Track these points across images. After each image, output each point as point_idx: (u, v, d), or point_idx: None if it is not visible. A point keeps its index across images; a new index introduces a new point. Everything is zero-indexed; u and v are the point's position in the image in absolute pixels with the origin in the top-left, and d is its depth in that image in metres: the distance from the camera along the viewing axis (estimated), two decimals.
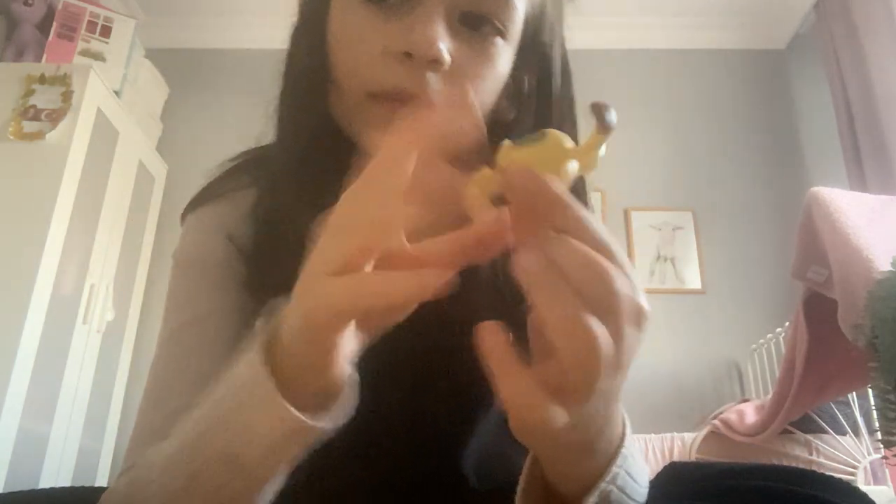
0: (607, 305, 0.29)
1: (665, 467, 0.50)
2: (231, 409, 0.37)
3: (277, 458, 0.37)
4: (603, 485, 0.37)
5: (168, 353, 0.54)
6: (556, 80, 0.56)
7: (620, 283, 0.29)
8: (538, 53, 0.56)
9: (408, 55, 0.47)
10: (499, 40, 0.51)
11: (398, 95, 0.49)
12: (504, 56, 0.52)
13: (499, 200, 0.32)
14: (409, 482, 0.56)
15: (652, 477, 0.49)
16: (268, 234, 0.55)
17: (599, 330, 0.28)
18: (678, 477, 0.47)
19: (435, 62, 0.47)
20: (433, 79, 0.48)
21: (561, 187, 0.31)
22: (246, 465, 0.37)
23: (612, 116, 0.35)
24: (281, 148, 0.58)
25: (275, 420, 0.35)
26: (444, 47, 0.47)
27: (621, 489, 0.38)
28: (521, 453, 0.48)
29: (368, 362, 0.40)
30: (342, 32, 0.52)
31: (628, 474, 0.39)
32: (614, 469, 0.37)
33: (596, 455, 0.37)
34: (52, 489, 0.55)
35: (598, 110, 0.35)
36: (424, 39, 0.47)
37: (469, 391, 0.50)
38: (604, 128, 0.35)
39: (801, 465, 1.94)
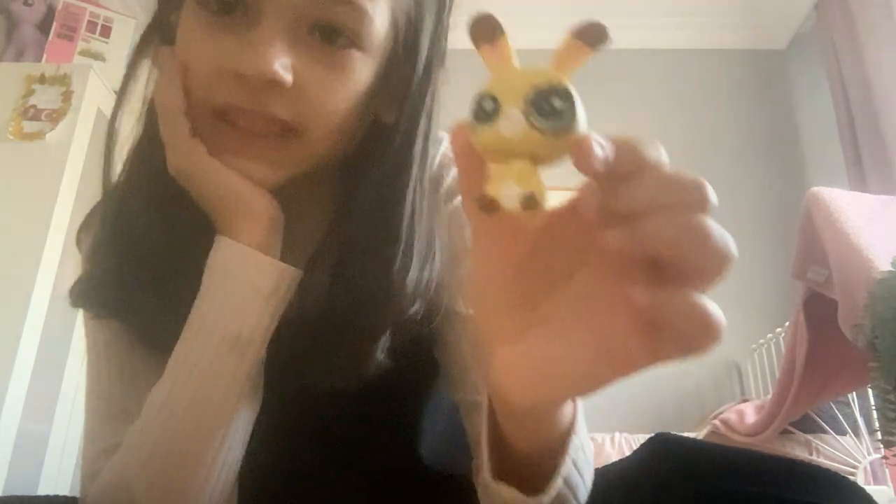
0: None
1: (651, 438, 0.49)
2: (223, 292, 0.47)
3: (271, 320, 0.48)
4: (570, 448, 0.37)
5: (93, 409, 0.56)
6: (417, 75, 0.53)
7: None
8: (409, 54, 0.53)
9: (241, 76, 0.46)
10: (354, 52, 0.49)
11: (232, 115, 0.48)
12: (361, 66, 0.50)
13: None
14: (359, 472, 0.59)
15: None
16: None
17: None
18: (669, 455, 0.47)
19: (273, 83, 0.46)
20: (273, 97, 0.47)
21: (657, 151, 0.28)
22: (245, 338, 0.46)
23: (608, 42, 0.30)
24: (125, 169, 0.56)
25: (265, 271, 0.47)
26: (282, 66, 0.46)
27: (574, 461, 0.39)
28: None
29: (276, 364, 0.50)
30: (182, 45, 0.50)
31: (581, 444, 0.40)
32: (573, 438, 0.38)
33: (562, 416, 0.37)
34: (49, 497, 0.56)
35: (595, 34, 0.30)
36: (258, 60, 0.45)
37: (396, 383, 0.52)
38: (592, 51, 0.29)
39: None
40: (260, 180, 0.49)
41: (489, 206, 0.28)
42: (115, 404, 0.54)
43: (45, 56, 2.34)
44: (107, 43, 2.46)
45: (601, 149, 0.27)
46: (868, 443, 1.97)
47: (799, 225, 1.64)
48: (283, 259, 0.50)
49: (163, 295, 0.51)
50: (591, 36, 0.30)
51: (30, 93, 2.12)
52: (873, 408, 1.53)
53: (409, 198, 0.52)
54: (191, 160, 0.49)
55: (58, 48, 2.36)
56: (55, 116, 2.08)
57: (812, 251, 1.58)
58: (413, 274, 0.51)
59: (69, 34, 2.40)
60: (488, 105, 0.28)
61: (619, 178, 0.27)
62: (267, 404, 0.51)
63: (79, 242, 0.61)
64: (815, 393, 1.77)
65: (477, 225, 0.31)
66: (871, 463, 1.98)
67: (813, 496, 0.39)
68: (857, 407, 1.98)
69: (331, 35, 0.48)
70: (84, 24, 2.43)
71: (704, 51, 3.30)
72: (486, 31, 0.30)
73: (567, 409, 0.37)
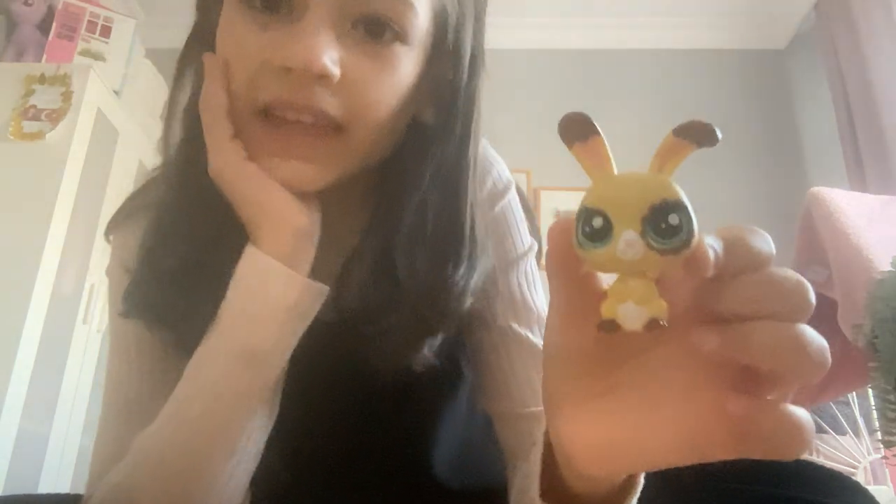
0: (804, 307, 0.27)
1: None
2: (244, 306, 0.46)
3: (291, 337, 0.46)
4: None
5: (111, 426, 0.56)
6: (463, 75, 0.53)
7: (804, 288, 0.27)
8: (452, 52, 0.53)
9: (287, 70, 0.45)
10: (398, 45, 0.48)
11: (279, 111, 0.47)
12: (406, 61, 0.49)
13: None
14: (375, 483, 0.57)
15: None
16: (147, 265, 0.54)
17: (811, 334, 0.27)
18: None
19: (321, 77, 0.45)
20: (321, 91, 0.46)
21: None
22: (262, 354, 0.45)
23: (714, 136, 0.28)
24: (169, 173, 0.56)
25: (287, 285, 0.45)
26: (331, 59, 0.45)
27: None
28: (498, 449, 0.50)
29: (305, 370, 0.49)
30: (223, 44, 0.49)
31: None
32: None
33: None
34: (50, 495, 0.55)
35: (705, 135, 0.29)
36: (306, 53, 0.44)
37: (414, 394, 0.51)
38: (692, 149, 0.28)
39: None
40: (307, 181, 0.48)
41: (610, 327, 0.27)
42: (137, 405, 0.54)
43: (45, 56, 2.34)
44: (107, 43, 2.46)
45: (714, 253, 0.26)
46: (868, 443, 1.97)
47: (799, 225, 1.64)
48: (317, 261, 0.49)
49: (206, 302, 0.49)
50: (697, 135, 0.29)
51: (30, 93, 2.12)
52: (873, 408, 1.53)
53: (468, 199, 0.51)
54: (230, 163, 0.48)
55: (58, 48, 2.36)
56: (55, 116, 2.08)
57: (812, 251, 1.58)
58: (468, 273, 0.50)
59: (69, 34, 2.40)
60: (598, 222, 0.27)
61: (725, 277, 0.26)
62: (289, 409, 0.50)
63: (108, 236, 0.60)
64: (815, 393, 1.77)
65: (560, 287, 0.30)
66: (871, 463, 1.98)
67: (816, 494, 0.39)
68: (857, 407, 1.98)
69: (376, 29, 0.47)
70: (84, 24, 2.43)
71: (704, 51, 3.30)
72: (579, 130, 0.30)
73: None
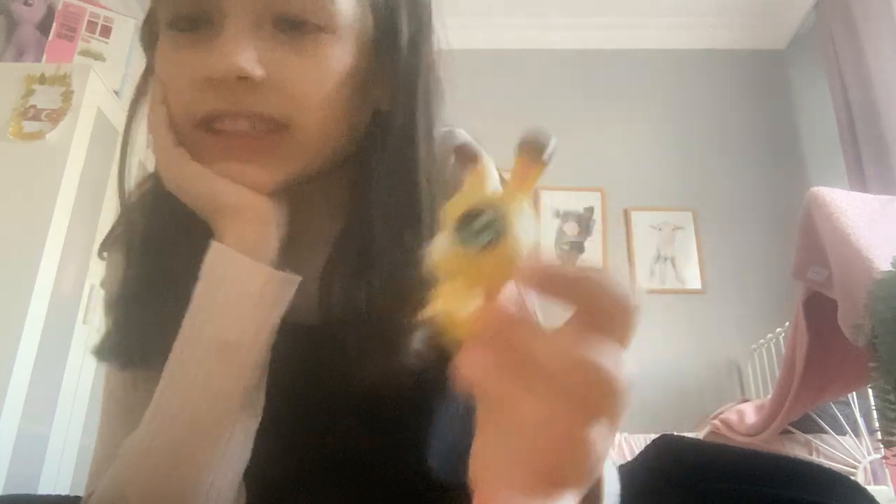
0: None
1: (656, 440, 0.49)
2: (211, 297, 0.46)
3: (261, 326, 0.46)
4: None
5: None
6: (402, 58, 0.52)
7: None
8: (389, 37, 0.52)
9: (211, 80, 0.47)
10: (323, 36, 0.48)
11: (216, 122, 0.48)
12: (335, 50, 0.49)
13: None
14: (368, 483, 0.58)
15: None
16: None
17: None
18: (675, 456, 0.47)
19: (242, 78, 0.46)
20: (250, 94, 0.47)
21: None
22: (233, 344, 0.46)
23: (550, 149, 0.30)
24: (133, 212, 0.57)
25: (250, 274, 0.46)
26: (248, 60, 0.46)
27: None
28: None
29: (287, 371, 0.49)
30: (160, 70, 0.51)
31: None
32: None
33: None
34: (51, 496, 0.56)
35: (533, 147, 0.30)
36: (222, 60, 0.46)
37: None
38: (541, 163, 0.30)
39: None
40: (255, 183, 0.48)
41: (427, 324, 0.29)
42: (130, 409, 0.54)
43: (45, 56, 2.34)
44: (107, 43, 2.46)
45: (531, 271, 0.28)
46: (868, 443, 1.97)
47: (799, 225, 1.64)
48: (299, 264, 0.49)
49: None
50: (530, 150, 0.30)
51: (30, 93, 2.12)
52: (873, 408, 1.53)
53: (423, 182, 0.51)
54: (177, 168, 0.50)
55: (58, 48, 2.36)
56: (55, 116, 2.08)
57: (812, 251, 1.58)
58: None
59: (69, 34, 2.40)
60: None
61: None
62: (279, 411, 0.50)
63: (101, 254, 0.61)
64: (815, 393, 1.77)
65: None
66: (871, 463, 1.98)
67: (815, 495, 0.39)
68: (857, 407, 1.98)
69: (296, 24, 0.48)
70: (84, 24, 2.43)
71: (704, 51, 3.30)
72: (470, 155, 0.31)
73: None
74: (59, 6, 2.42)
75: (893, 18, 2.46)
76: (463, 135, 0.60)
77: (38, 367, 1.92)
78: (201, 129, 0.49)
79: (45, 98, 2.11)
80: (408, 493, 0.58)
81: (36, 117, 2.07)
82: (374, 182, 0.51)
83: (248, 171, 0.48)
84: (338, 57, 0.49)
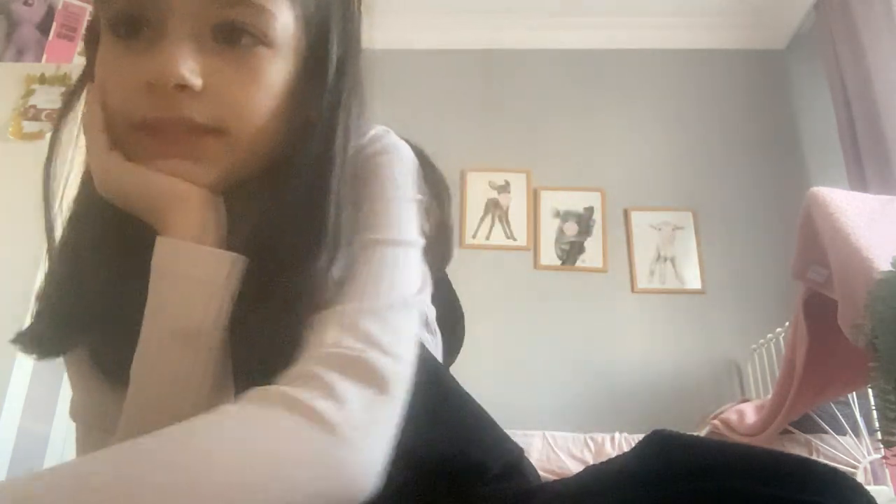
0: None
1: (650, 435, 0.49)
2: (164, 289, 0.48)
3: (218, 309, 0.48)
4: None
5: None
6: (329, 75, 0.54)
7: None
8: (320, 54, 0.54)
9: (151, 86, 0.48)
10: (261, 49, 0.50)
11: (153, 125, 0.49)
12: (272, 64, 0.51)
13: None
14: None
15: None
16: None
17: None
18: (669, 452, 0.46)
19: (180, 87, 0.47)
20: (187, 102, 0.48)
21: None
22: (193, 331, 0.47)
23: None
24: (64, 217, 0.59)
25: (197, 259, 0.48)
26: (188, 69, 0.47)
27: None
28: None
29: None
30: (99, 73, 0.52)
31: None
32: None
33: None
34: None
35: None
36: (164, 67, 0.47)
37: None
38: None
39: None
40: (192, 179, 0.50)
41: None
42: (101, 419, 0.55)
43: (45, 56, 2.34)
44: None
45: None
46: (868, 443, 1.97)
47: (799, 225, 1.64)
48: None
49: (119, 323, 0.51)
50: None
51: (30, 93, 2.12)
52: (873, 408, 1.53)
53: (334, 192, 0.52)
54: (111, 169, 0.51)
55: (58, 48, 2.36)
56: (55, 116, 2.08)
57: (812, 251, 1.58)
58: (327, 265, 0.50)
59: (69, 34, 2.40)
60: None
61: None
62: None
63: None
64: (815, 393, 1.77)
65: None
66: (871, 463, 1.98)
67: (812, 493, 0.39)
68: (857, 407, 1.98)
69: (235, 36, 0.50)
70: (84, 24, 2.43)
71: (704, 51, 3.30)
72: None
73: None
74: (59, 6, 2.42)
75: (893, 18, 2.46)
76: (386, 134, 0.61)
77: (38, 367, 1.92)
78: (138, 131, 0.50)
79: (45, 98, 2.11)
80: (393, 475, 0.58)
81: (36, 117, 2.07)
82: (290, 187, 0.52)
83: (185, 167, 0.50)
84: (273, 71, 0.51)
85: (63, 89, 2.12)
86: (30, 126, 2.06)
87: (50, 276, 0.57)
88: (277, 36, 0.51)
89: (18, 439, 1.85)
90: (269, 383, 0.44)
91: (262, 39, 0.50)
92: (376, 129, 0.60)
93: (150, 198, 0.50)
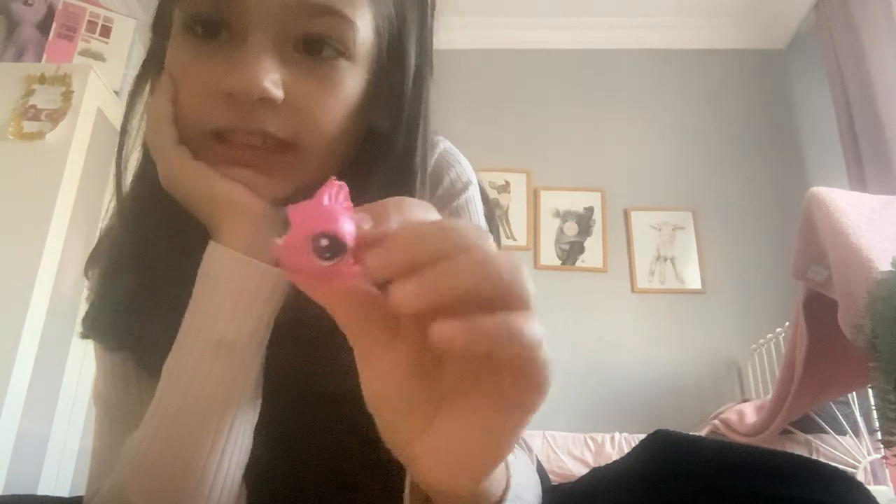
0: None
1: (650, 435, 0.49)
2: (207, 296, 0.47)
3: (257, 323, 0.47)
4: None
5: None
6: (408, 85, 0.54)
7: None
8: (397, 63, 0.54)
9: (231, 95, 0.46)
10: (342, 62, 0.49)
11: (229, 135, 0.48)
12: (350, 77, 0.50)
13: None
14: (366, 475, 0.58)
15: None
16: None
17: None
18: (670, 453, 0.46)
19: (264, 100, 0.46)
20: (266, 114, 0.47)
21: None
22: (230, 342, 0.46)
23: None
24: (125, 200, 0.57)
25: (246, 272, 0.47)
26: (272, 82, 0.46)
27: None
28: None
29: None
30: (173, 68, 0.50)
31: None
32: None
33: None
34: (51, 497, 0.56)
35: None
36: (247, 78, 0.45)
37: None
38: None
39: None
40: (258, 189, 0.49)
41: None
42: (125, 410, 0.54)
43: (45, 56, 2.34)
44: (107, 43, 2.46)
45: (373, 259, 0.29)
46: (868, 443, 1.97)
47: (799, 225, 1.64)
48: None
49: (162, 326, 0.50)
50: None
51: (30, 93, 2.12)
52: (873, 408, 1.53)
53: (418, 189, 0.52)
54: (176, 165, 0.49)
55: (58, 48, 2.36)
56: (55, 116, 2.08)
57: (812, 251, 1.58)
58: None
59: (69, 34, 2.40)
60: None
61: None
62: (274, 408, 0.50)
63: (87, 273, 0.61)
64: (815, 393, 1.77)
65: (358, 340, 0.32)
66: (871, 463, 1.98)
67: (813, 492, 0.39)
68: (857, 407, 1.98)
69: (317, 47, 0.48)
70: (84, 24, 2.43)
71: (704, 51, 3.30)
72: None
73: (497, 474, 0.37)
74: (59, 6, 2.42)
75: (893, 18, 2.46)
76: (443, 142, 0.62)
77: (38, 367, 1.92)
78: (209, 139, 0.49)
79: (45, 98, 2.11)
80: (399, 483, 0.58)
81: (36, 117, 2.07)
82: (374, 190, 0.52)
83: (251, 176, 0.49)
84: (351, 84, 0.50)
85: (63, 89, 2.12)
86: (30, 126, 2.06)
87: (115, 261, 0.56)
88: (358, 49, 0.50)
89: (18, 439, 1.85)
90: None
91: (344, 52, 0.49)
92: (444, 144, 0.60)
93: (211, 201, 0.48)
